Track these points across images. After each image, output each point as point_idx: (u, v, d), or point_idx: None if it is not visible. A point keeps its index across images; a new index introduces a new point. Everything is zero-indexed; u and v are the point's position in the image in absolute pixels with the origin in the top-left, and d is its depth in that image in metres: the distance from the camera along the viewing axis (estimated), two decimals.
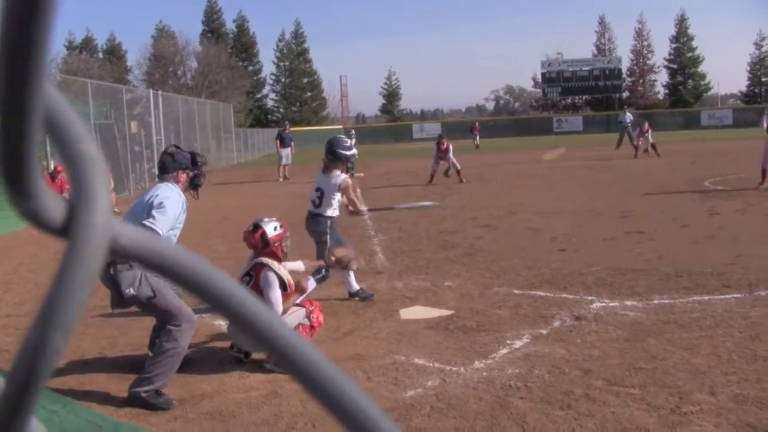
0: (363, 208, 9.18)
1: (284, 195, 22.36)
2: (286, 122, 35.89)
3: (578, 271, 9.55)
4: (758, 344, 6.31)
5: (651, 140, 32.37)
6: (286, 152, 30.53)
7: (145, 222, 5.76)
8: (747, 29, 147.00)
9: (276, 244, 6.70)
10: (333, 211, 8.72)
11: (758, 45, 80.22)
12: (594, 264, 9.95)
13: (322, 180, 8.81)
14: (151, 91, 32.95)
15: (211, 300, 0.50)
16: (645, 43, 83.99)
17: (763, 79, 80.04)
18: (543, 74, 79.54)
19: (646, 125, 32.73)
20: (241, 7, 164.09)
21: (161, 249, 0.49)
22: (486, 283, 9.21)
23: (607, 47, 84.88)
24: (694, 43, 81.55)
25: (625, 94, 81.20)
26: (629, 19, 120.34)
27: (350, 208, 8.92)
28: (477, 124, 49.69)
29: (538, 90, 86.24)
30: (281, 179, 29.53)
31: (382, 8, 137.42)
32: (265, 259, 6.63)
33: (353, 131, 33.83)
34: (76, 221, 0.45)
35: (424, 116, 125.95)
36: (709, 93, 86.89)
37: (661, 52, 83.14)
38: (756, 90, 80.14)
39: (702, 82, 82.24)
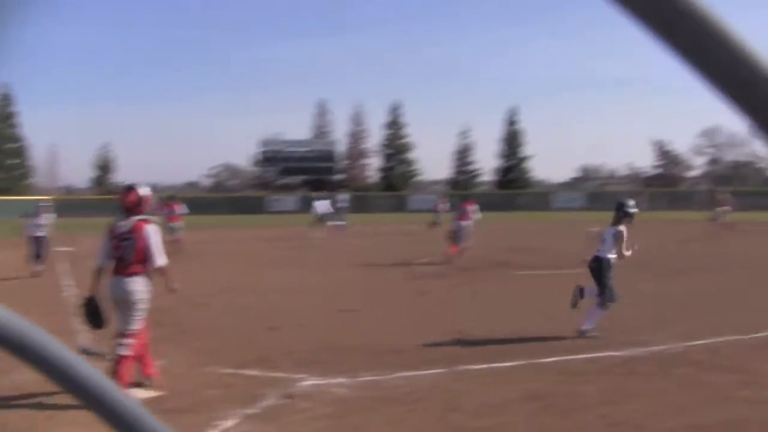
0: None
1: None
2: None
3: (289, 349, 9.57)
4: (458, 415, 6.63)
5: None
6: None
7: None
8: (454, 120, 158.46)
9: (148, 204, 7.67)
10: None
11: (463, 136, 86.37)
12: (305, 342, 10.04)
13: None
14: None
15: None
16: (361, 127, 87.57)
17: (466, 168, 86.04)
18: (261, 153, 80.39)
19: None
20: None
21: None
22: (197, 362, 8.97)
23: (325, 130, 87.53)
24: (406, 131, 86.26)
25: (341, 176, 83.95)
26: (347, 103, 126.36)
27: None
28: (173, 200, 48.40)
29: (255, 168, 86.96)
30: None
31: (100, 76, 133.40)
32: (142, 217, 7.57)
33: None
34: None
35: None
36: (418, 178, 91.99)
37: (375, 137, 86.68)
38: (459, 177, 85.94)
39: (412, 168, 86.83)
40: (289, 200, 73.47)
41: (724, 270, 18.37)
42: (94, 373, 0.53)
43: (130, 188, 7.72)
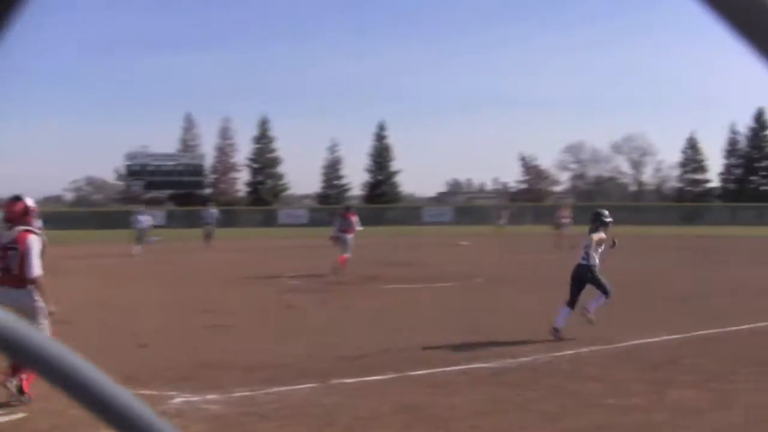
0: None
1: None
2: None
3: (159, 367, 9.42)
4: (332, 430, 6.70)
5: None
6: None
7: None
8: (324, 135, 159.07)
9: (34, 216, 7.77)
10: None
11: (332, 150, 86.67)
12: (175, 359, 9.90)
13: None
14: None
15: None
16: (229, 141, 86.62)
17: (335, 182, 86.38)
18: (127, 167, 78.39)
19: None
20: None
21: None
22: None
23: (192, 143, 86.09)
24: (274, 145, 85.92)
25: (209, 191, 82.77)
26: (215, 117, 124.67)
27: None
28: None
29: (121, 183, 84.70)
30: None
31: None
32: (27, 227, 7.64)
33: None
34: None
35: None
36: (287, 192, 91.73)
37: (244, 151, 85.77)
38: (328, 191, 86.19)
39: (280, 182, 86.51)
40: (157, 215, 72.11)
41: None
42: (97, 373, 0.57)
43: (17, 198, 7.79)
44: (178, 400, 7.82)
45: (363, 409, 7.46)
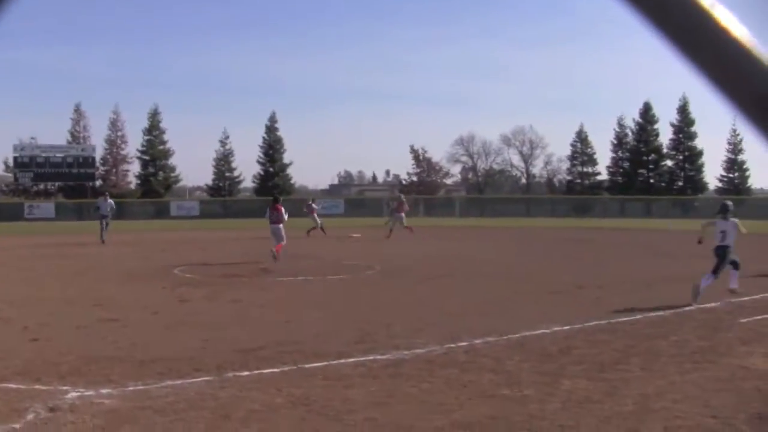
0: None
1: None
2: None
3: (52, 361, 9.33)
4: (227, 423, 6.82)
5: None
6: None
7: None
8: (214, 127, 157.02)
9: None
10: None
11: (223, 143, 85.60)
12: (68, 353, 9.81)
13: None
14: None
15: None
16: (119, 133, 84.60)
17: (227, 174, 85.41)
18: (15, 158, 75.75)
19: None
20: None
21: None
22: None
23: (82, 135, 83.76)
24: (166, 137, 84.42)
25: (99, 183, 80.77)
26: (105, 108, 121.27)
27: None
28: None
29: (9, 174, 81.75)
30: None
31: None
32: None
33: None
34: None
35: None
36: (179, 185, 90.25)
37: (134, 143, 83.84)
38: (220, 183, 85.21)
39: (172, 174, 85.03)
40: (49, 207, 70.01)
41: (469, 276, 19.61)
42: None
43: None
44: (72, 394, 7.78)
45: (258, 402, 7.58)
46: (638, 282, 17.86)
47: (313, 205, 38.34)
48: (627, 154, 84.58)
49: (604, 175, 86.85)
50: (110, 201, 35.26)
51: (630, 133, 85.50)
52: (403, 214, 36.46)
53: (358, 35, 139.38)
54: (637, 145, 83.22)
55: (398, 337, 11.02)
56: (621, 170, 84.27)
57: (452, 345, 10.38)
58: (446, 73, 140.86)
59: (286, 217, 23.42)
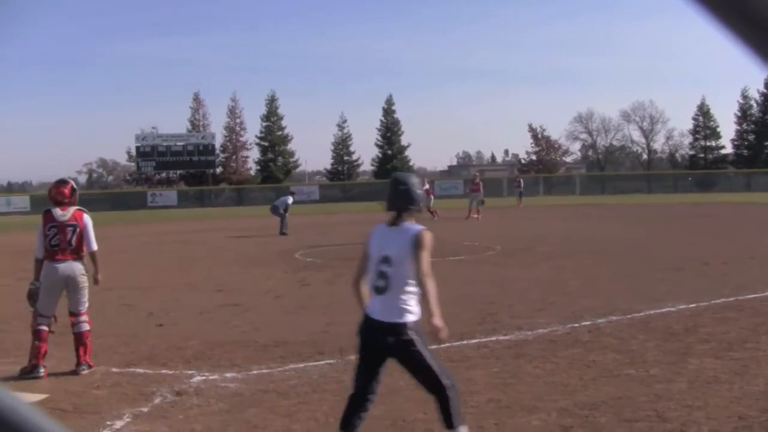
0: None
1: None
2: None
3: (177, 346, 9.46)
4: None
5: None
6: None
7: None
8: (332, 111, 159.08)
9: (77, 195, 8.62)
10: None
11: (341, 127, 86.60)
12: (192, 338, 9.93)
13: None
14: None
15: None
16: (238, 120, 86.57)
17: (345, 158, 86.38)
18: (137, 148, 78.45)
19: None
20: None
21: None
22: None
23: (201, 123, 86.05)
24: (284, 122, 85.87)
25: (219, 170, 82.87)
26: (223, 96, 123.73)
27: None
28: None
29: (132, 164, 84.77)
30: None
31: None
32: (79, 207, 8.56)
33: None
34: None
35: (11, 189, 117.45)
36: (298, 170, 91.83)
37: (252, 129, 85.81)
38: (339, 168, 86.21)
39: (291, 159, 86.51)
40: (171, 194, 72.25)
41: (590, 254, 19.08)
42: None
43: (63, 182, 8.69)
44: (197, 378, 7.85)
45: (382, 385, 7.44)
46: (765, 257, 17.08)
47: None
48: (752, 126, 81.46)
49: (728, 149, 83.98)
50: (283, 198, 32.58)
51: (755, 105, 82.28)
52: (480, 193, 34.47)
53: (473, 14, 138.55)
54: (763, 117, 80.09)
55: (520, 317, 10.78)
56: (746, 143, 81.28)
57: (575, 324, 10.12)
58: (562, 49, 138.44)
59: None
